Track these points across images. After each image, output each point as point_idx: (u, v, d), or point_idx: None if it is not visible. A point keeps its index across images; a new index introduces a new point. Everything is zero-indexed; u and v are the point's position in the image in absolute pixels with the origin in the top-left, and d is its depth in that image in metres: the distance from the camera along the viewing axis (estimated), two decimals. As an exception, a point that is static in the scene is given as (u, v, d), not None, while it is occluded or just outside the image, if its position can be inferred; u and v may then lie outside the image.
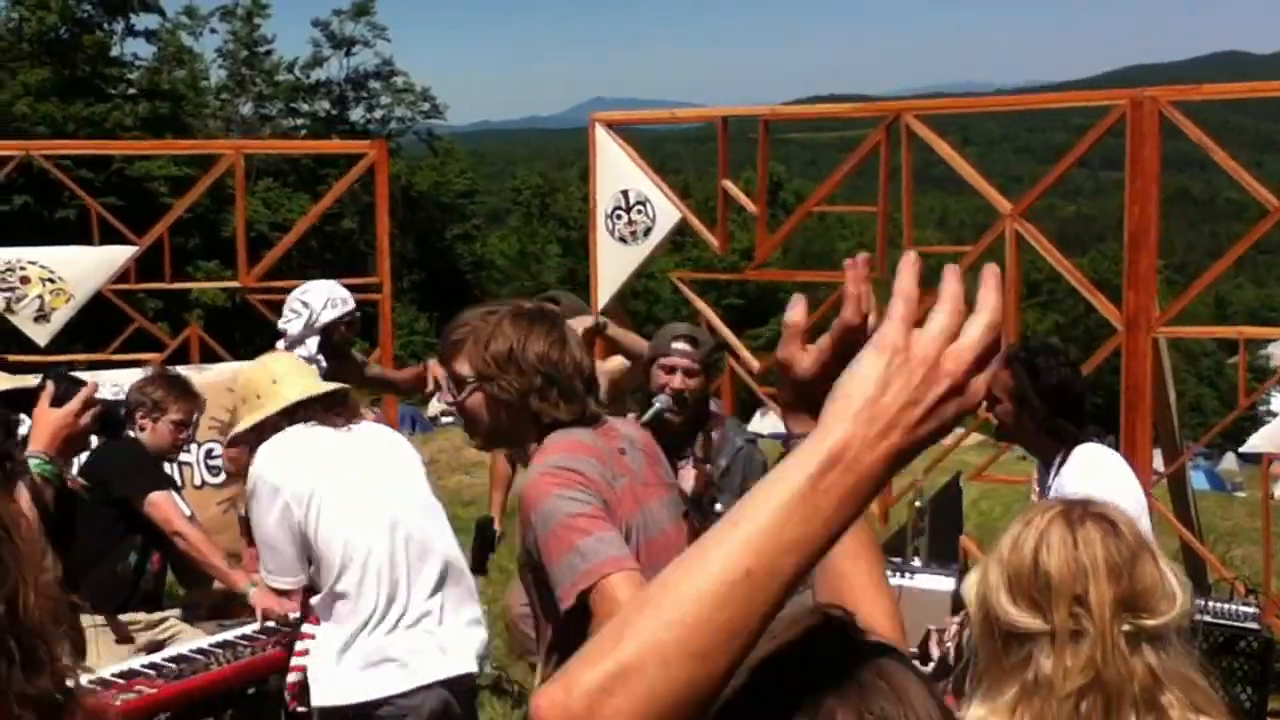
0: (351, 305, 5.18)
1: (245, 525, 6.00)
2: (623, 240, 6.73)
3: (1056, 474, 3.84)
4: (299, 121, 42.72)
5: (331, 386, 3.68)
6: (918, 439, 0.97)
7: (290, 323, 5.11)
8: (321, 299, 5.07)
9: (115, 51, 35.87)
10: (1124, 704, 1.75)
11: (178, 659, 3.95)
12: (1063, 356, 3.97)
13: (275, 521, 3.43)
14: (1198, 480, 12.60)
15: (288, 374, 3.65)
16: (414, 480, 3.62)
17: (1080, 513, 1.87)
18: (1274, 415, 8.23)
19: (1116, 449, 4.08)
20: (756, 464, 4.30)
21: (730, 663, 0.93)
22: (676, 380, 4.06)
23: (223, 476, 6.56)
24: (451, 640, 3.44)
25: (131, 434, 4.99)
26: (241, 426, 3.63)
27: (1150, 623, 1.79)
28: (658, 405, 3.99)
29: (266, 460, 3.48)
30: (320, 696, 3.39)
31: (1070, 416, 3.81)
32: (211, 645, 4.07)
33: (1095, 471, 3.68)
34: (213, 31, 41.20)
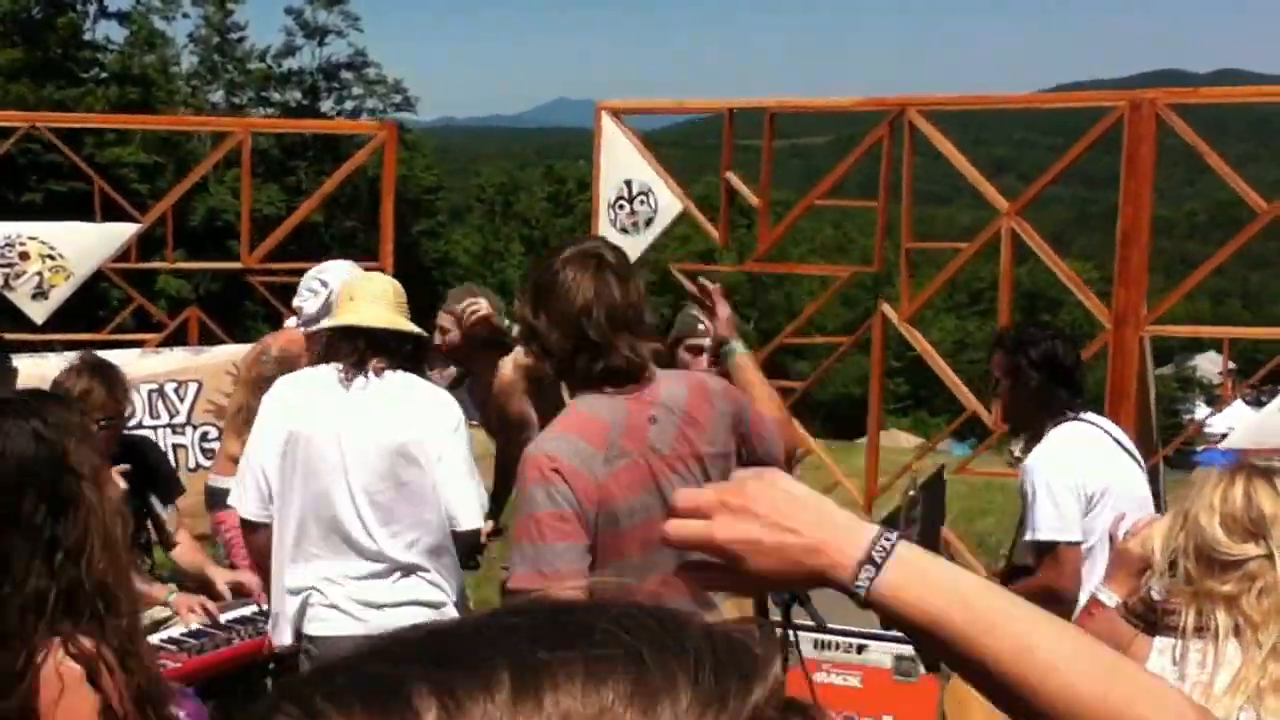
0: None
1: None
2: (624, 230, 6.73)
3: (1029, 450, 3.92)
4: (269, 111, 42.35)
5: (407, 328, 3.52)
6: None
7: (306, 301, 5.00)
8: (339, 278, 4.71)
9: (88, 35, 35.43)
10: None
11: (197, 634, 3.93)
12: (1051, 330, 4.19)
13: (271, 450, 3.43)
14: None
15: (373, 300, 3.53)
16: (372, 466, 3.41)
17: (1266, 467, 2.41)
18: (1206, 426, 8.49)
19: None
20: None
21: None
22: (703, 361, 3.95)
23: (216, 460, 6.50)
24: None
25: None
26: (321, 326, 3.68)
27: None
28: None
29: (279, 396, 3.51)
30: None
31: (1064, 384, 3.92)
32: (229, 621, 4.06)
33: (1062, 452, 3.78)
34: (185, 16, 40.74)
